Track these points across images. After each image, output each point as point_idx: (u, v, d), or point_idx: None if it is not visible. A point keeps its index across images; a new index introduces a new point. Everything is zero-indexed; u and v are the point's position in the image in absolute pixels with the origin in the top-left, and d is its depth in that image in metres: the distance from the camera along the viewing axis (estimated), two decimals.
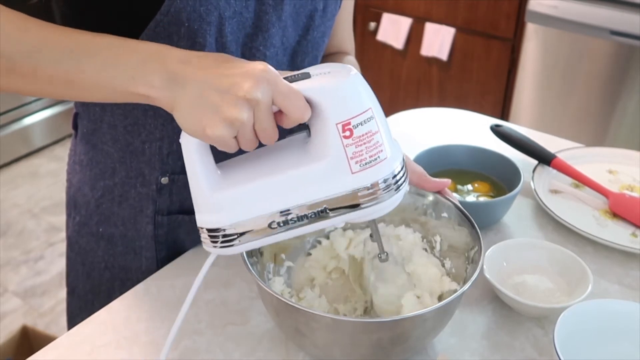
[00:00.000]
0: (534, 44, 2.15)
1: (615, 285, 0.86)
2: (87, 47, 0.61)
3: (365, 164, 0.59)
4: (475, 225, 0.74)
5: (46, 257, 2.39)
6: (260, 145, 0.61)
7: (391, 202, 0.62)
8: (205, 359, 0.74)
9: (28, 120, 2.94)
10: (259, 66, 0.57)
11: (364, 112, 0.58)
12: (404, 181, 0.62)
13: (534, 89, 2.21)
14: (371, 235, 0.73)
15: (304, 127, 0.61)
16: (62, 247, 2.43)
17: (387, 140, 0.60)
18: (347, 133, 0.58)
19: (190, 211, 0.83)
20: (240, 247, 0.63)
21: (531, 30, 2.13)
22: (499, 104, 2.36)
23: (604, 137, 2.11)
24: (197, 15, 0.71)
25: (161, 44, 0.61)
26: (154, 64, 0.59)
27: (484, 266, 0.79)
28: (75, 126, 0.88)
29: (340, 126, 0.57)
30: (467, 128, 1.28)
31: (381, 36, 2.52)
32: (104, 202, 0.86)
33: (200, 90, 0.56)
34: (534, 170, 1.06)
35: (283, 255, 0.81)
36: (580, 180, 1.05)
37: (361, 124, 0.58)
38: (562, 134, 1.28)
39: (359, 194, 0.60)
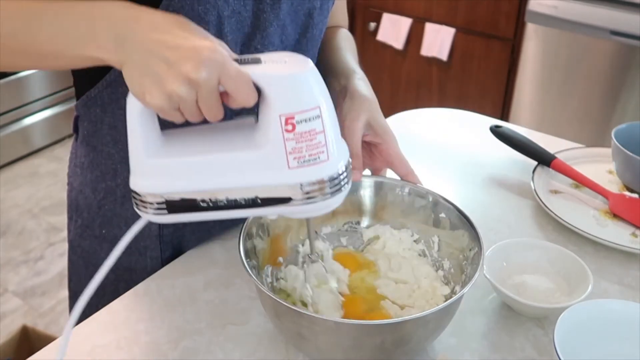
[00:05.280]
0: (534, 44, 2.15)
1: (615, 285, 0.86)
2: (39, 17, 0.61)
3: (304, 161, 0.57)
4: (475, 226, 0.74)
5: (46, 257, 2.38)
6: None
7: (325, 204, 0.60)
8: (205, 359, 0.74)
9: (28, 120, 2.94)
10: (209, 44, 0.55)
11: (311, 109, 0.56)
12: (343, 186, 0.61)
13: (534, 89, 2.21)
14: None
15: (252, 111, 0.60)
16: (62, 247, 2.42)
17: (332, 142, 0.58)
18: (290, 127, 0.56)
19: None
20: (169, 218, 0.61)
21: (531, 30, 2.13)
22: (499, 104, 2.36)
23: (604, 137, 2.11)
24: (195, 15, 0.71)
25: (114, 1, 0.60)
26: (102, 25, 0.58)
27: (484, 266, 0.79)
28: (76, 129, 0.88)
29: (283, 118, 0.56)
30: (467, 128, 1.28)
31: (381, 36, 2.52)
32: (106, 203, 0.86)
33: (147, 56, 0.55)
34: (533, 171, 1.06)
35: (281, 259, 0.81)
36: (580, 181, 1.05)
37: (305, 120, 0.56)
38: (562, 134, 1.28)
39: (292, 190, 0.58)
